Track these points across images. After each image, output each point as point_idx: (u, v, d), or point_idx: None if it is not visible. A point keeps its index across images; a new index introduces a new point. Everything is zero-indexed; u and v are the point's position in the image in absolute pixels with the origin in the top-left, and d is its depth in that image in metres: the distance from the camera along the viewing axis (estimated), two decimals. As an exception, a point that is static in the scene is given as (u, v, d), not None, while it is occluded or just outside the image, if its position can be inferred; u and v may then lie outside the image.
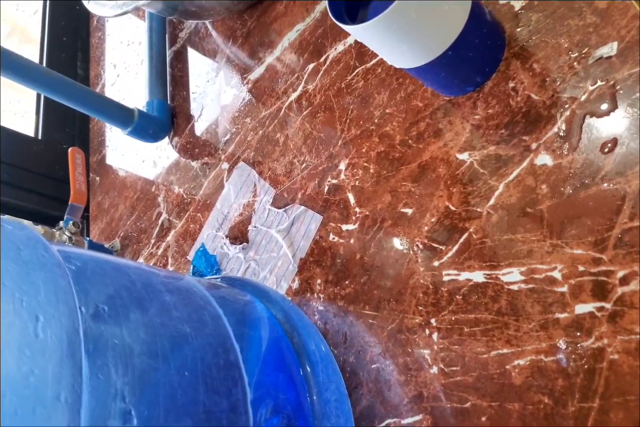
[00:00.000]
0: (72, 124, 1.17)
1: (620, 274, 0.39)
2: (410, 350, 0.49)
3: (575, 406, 0.38)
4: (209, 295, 0.43)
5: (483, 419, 0.42)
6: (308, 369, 0.44)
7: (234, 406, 0.35)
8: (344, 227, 0.60)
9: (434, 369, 0.47)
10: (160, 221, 0.89)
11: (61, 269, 0.31)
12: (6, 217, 0.83)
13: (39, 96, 1.16)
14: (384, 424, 0.49)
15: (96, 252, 0.39)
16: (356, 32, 0.45)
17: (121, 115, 0.87)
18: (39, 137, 1.11)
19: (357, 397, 0.51)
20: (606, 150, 0.42)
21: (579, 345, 0.39)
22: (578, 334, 0.40)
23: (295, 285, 0.63)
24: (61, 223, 0.84)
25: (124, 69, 1.16)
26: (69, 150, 0.90)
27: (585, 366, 0.39)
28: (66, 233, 0.83)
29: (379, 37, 0.45)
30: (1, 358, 0.24)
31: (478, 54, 0.49)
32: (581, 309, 0.40)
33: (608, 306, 0.39)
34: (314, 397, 0.42)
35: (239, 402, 0.35)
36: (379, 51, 0.49)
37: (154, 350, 0.32)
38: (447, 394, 0.45)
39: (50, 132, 1.13)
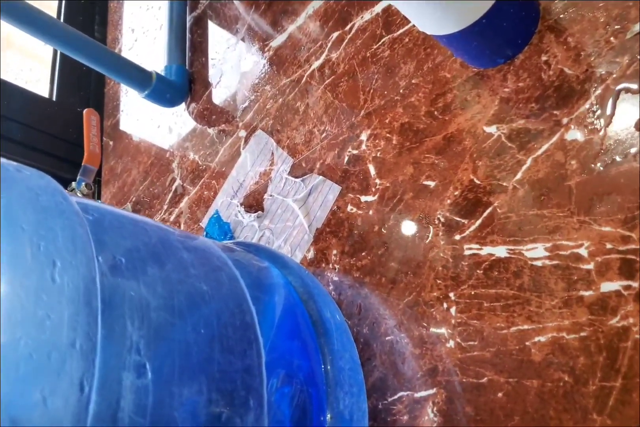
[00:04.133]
0: (87, 88, 1.15)
1: (650, 253, 0.38)
2: (426, 323, 0.48)
3: (597, 384, 0.37)
4: (225, 256, 0.42)
5: (499, 394, 0.42)
6: (323, 336, 0.43)
7: (249, 367, 0.34)
8: (363, 198, 0.58)
9: (451, 343, 0.46)
10: (173, 187, 0.88)
11: (79, 217, 0.30)
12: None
13: (54, 57, 1.14)
14: (396, 396, 0.48)
15: (113, 207, 0.38)
16: (391, -7, 0.44)
17: (139, 77, 0.85)
18: (54, 99, 1.10)
19: (370, 369, 0.50)
20: (641, 126, 0.41)
21: (603, 323, 0.38)
22: (603, 312, 0.39)
23: (310, 255, 0.62)
24: (73, 184, 0.83)
25: (142, 34, 1.14)
26: (85, 111, 0.89)
27: (609, 345, 0.38)
28: (78, 194, 0.82)
29: (413, 1, 0.44)
30: (18, 302, 0.23)
31: (512, 25, 0.48)
32: (607, 287, 0.39)
33: (635, 284, 0.38)
34: (328, 365, 0.41)
35: (254, 363, 0.34)
36: (412, 16, 0.47)
37: (171, 305, 0.31)
38: (463, 369, 0.44)
39: (64, 95, 1.11)
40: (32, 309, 0.24)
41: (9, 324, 0.23)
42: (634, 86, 0.42)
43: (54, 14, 1.23)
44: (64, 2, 1.24)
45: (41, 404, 0.23)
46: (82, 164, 0.85)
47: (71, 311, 0.25)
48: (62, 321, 0.24)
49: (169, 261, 0.34)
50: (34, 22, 0.71)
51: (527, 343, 0.41)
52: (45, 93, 1.13)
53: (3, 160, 0.31)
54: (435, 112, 0.55)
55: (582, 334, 0.39)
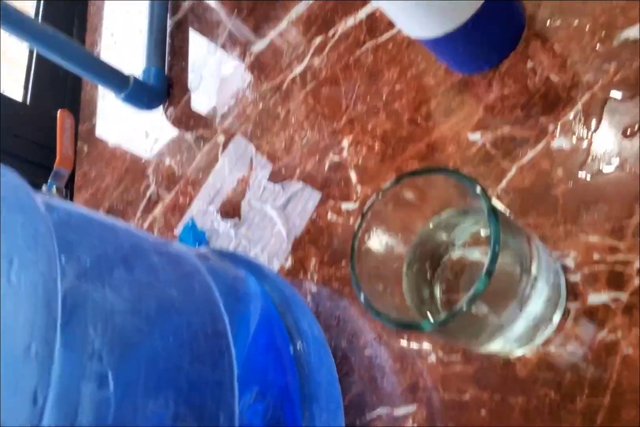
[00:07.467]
0: (62, 93, 1.12)
1: (638, 264, 0.37)
2: (407, 336, 0.47)
3: (584, 401, 0.36)
4: (198, 263, 0.40)
5: (482, 412, 0.40)
6: (299, 348, 0.41)
7: (220, 380, 0.32)
8: (344, 206, 0.57)
9: (432, 358, 0.44)
10: (148, 194, 0.85)
11: (43, 215, 0.28)
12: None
13: (29, 61, 1.11)
14: (374, 413, 0.46)
15: (82, 208, 0.36)
16: (376, -7, 0.43)
17: (116, 79, 0.83)
18: (27, 103, 1.07)
19: (348, 385, 0.48)
20: (628, 134, 0.40)
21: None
22: (590, 325, 0.37)
23: (288, 264, 0.60)
24: (44, 188, 0.80)
25: (122, 38, 1.12)
26: (59, 112, 0.86)
27: (597, 360, 0.36)
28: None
29: (398, 2, 0.43)
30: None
31: (498, 30, 0.48)
32: (595, 299, 0.38)
33: (624, 297, 0.37)
34: (304, 379, 0.39)
35: (225, 375, 0.32)
36: (397, 18, 0.46)
37: (138, 310, 0.29)
38: (445, 385, 0.43)
39: (39, 99, 1.08)
40: (-18, 310, 0.22)
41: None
42: (621, 94, 0.42)
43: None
44: (41, 5, 1.22)
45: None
46: (54, 167, 0.82)
47: (28, 313, 0.23)
48: (17, 323, 0.22)
49: (138, 264, 0.32)
50: (7, 16, 0.68)
51: (511, 358, 0.40)
52: (19, 97, 1.10)
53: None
54: (419, 119, 0.54)
55: (570, 348, 0.38)
